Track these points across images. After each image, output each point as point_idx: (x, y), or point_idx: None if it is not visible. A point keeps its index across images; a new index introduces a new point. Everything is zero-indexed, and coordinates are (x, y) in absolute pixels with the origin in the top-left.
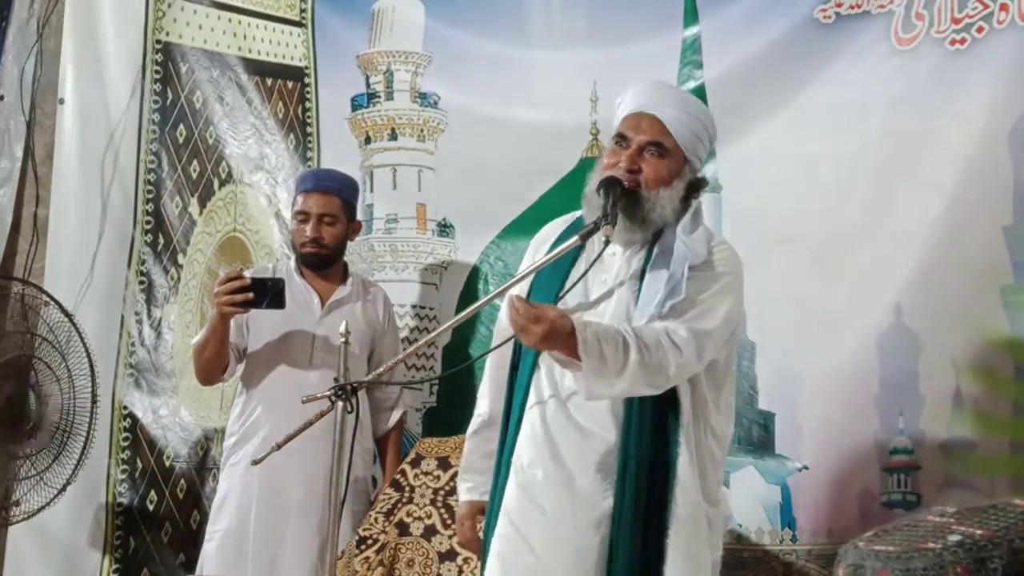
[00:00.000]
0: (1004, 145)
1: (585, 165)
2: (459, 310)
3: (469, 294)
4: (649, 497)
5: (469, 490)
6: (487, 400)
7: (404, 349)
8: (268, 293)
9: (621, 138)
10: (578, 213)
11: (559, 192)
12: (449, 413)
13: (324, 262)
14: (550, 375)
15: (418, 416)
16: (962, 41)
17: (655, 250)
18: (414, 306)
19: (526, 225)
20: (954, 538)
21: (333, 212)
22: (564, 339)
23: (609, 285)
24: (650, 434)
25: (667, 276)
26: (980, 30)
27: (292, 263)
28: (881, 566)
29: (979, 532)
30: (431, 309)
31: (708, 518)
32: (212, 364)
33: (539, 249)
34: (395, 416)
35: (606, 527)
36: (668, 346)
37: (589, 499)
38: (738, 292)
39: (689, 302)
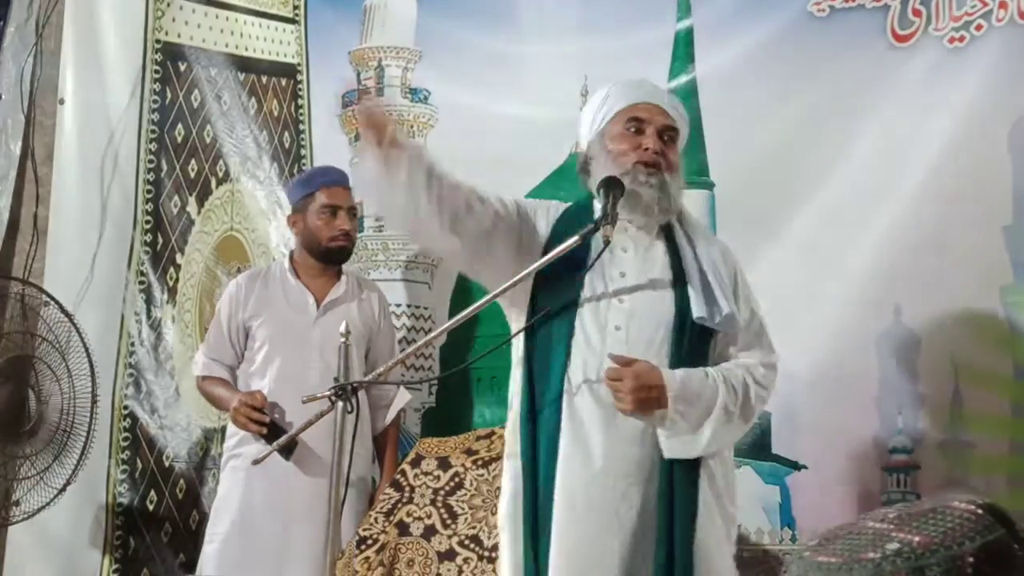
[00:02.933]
0: (1004, 145)
1: (574, 160)
2: (452, 309)
3: (461, 292)
4: (686, 492)
5: None
6: None
7: (400, 348)
8: (278, 437)
9: (636, 122)
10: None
11: (547, 187)
12: (447, 413)
13: (347, 255)
14: (584, 361)
15: (416, 416)
16: (961, 39)
17: (683, 252)
18: (409, 306)
19: None
20: (892, 546)
21: (355, 206)
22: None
23: (634, 284)
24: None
25: (712, 283)
26: (979, 28)
27: (286, 263)
28: None
29: (917, 539)
30: (425, 308)
31: (730, 515)
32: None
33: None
34: (391, 413)
35: (641, 527)
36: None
37: (626, 491)
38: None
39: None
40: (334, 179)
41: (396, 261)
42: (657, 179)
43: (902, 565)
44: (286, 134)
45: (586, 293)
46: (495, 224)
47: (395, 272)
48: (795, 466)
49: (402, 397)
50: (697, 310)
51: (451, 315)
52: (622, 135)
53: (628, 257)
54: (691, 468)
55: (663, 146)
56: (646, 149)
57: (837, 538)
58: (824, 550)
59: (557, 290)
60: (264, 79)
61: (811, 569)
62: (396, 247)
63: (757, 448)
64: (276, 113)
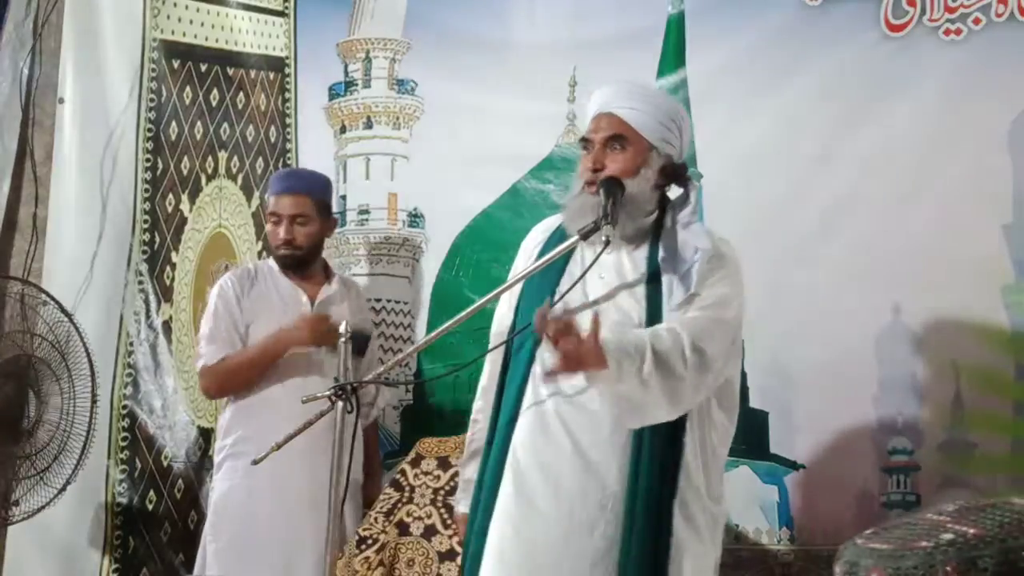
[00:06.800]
0: (1004, 144)
1: (561, 152)
2: (432, 304)
3: (441, 287)
4: (660, 494)
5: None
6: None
7: (379, 344)
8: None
9: (586, 142)
10: (560, 218)
11: (533, 179)
12: (424, 411)
13: (299, 263)
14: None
15: (396, 414)
16: (957, 32)
17: (660, 252)
18: (389, 300)
19: (497, 214)
20: (947, 537)
21: (305, 212)
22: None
23: (609, 285)
24: (661, 432)
25: (681, 271)
26: (977, 21)
27: (274, 265)
28: (873, 563)
29: (972, 531)
30: (405, 303)
31: (712, 515)
32: (249, 383)
33: (528, 254)
34: (375, 411)
35: (612, 526)
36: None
37: (591, 497)
38: (741, 287)
39: (702, 301)
40: (282, 187)
41: (377, 256)
42: (595, 194)
43: (954, 555)
44: (272, 128)
45: (568, 299)
46: None
47: (376, 267)
48: (793, 466)
49: (383, 394)
50: (676, 297)
51: (431, 310)
52: (582, 155)
53: (608, 260)
54: (669, 471)
55: (605, 159)
56: (594, 170)
57: (894, 527)
58: (878, 538)
59: (537, 301)
60: (252, 73)
61: (863, 555)
62: (377, 240)
63: (755, 448)
64: (263, 107)
